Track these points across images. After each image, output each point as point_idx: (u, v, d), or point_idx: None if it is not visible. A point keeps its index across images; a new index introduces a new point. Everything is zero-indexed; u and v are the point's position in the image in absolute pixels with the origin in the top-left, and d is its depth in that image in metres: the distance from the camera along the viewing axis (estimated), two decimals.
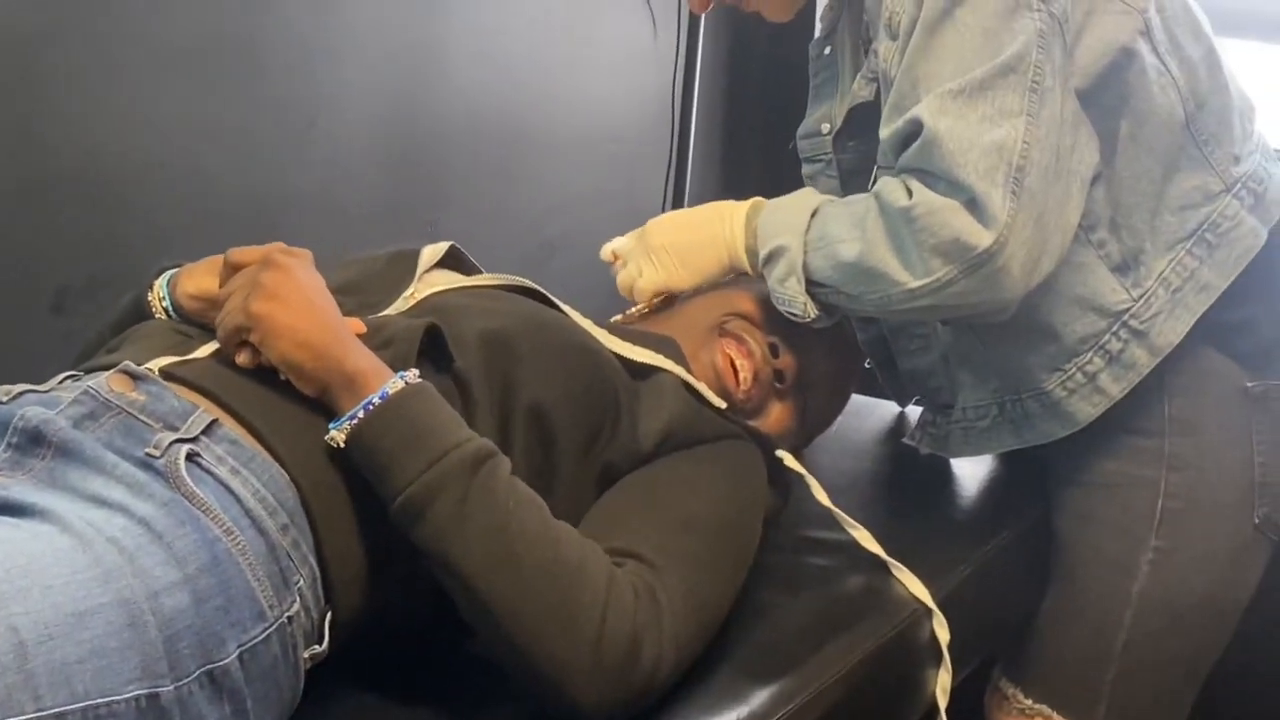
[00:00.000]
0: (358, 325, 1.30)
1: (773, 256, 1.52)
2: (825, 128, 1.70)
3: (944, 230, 1.37)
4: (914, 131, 1.40)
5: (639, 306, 1.68)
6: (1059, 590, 1.70)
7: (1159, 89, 1.50)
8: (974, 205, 1.36)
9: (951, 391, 1.72)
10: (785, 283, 1.51)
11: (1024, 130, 1.37)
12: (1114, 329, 1.54)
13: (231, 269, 1.31)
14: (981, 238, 1.35)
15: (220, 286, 1.31)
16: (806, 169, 1.77)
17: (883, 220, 1.42)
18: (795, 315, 1.53)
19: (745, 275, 1.64)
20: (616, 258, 1.70)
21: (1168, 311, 1.54)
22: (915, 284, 1.40)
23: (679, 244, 1.63)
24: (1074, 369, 1.57)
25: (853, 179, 1.66)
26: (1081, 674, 1.67)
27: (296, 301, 1.23)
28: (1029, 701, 1.70)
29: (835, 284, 1.49)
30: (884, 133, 1.46)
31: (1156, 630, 1.63)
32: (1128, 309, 1.54)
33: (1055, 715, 1.68)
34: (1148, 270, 1.54)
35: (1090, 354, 1.55)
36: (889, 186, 1.42)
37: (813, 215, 1.51)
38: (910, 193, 1.39)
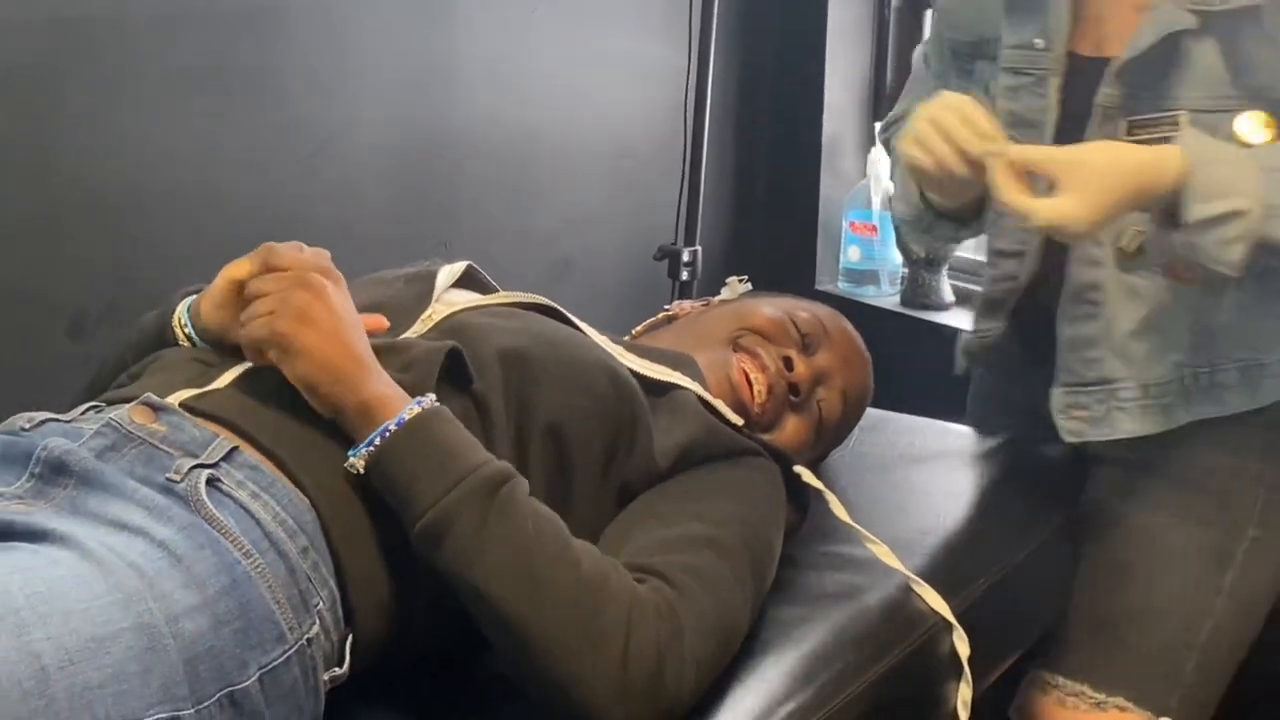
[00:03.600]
0: (380, 322, 1.30)
1: (1224, 219, 1.40)
2: (1039, 43, 1.60)
3: None
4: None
5: (650, 321, 1.67)
6: (1139, 584, 1.67)
7: None
8: None
9: (1111, 365, 1.62)
10: (1231, 245, 1.40)
11: None
12: None
13: (266, 266, 1.29)
14: None
15: (251, 277, 1.29)
16: (1006, 80, 1.65)
17: None
18: (1214, 275, 1.43)
19: (752, 294, 1.62)
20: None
21: None
22: None
23: (1097, 168, 1.42)
24: None
25: (1069, 122, 1.57)
26: (1166, 664, 1.65)
27: (323, 325, 1.23)
28: (1101, 695, 1.67)
29: None
30: None
31: (1239, 617, 1.64)
32: None
33: (1131, 707, 1.66)
34: None
35: None
36: None
37: (1259, 171, 1.43)
38: None
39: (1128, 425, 1.62)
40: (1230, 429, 1.61)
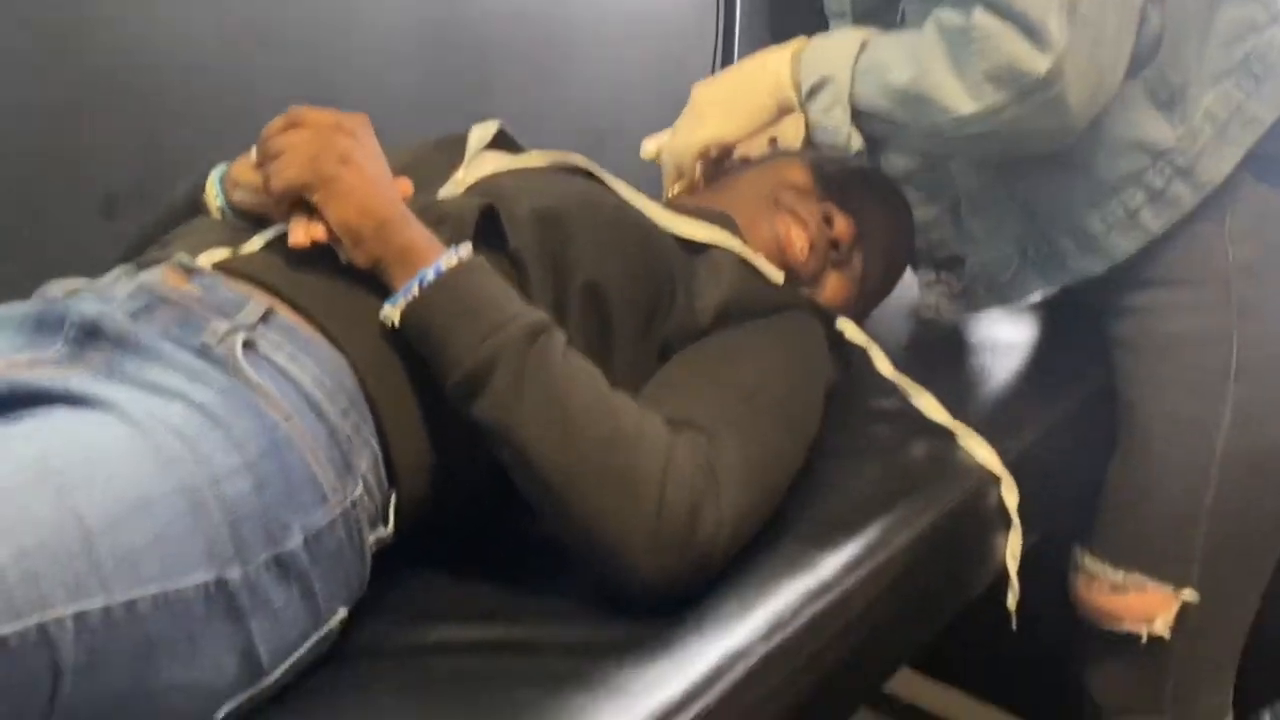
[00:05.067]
0: (405, 186, 1.28)
1: (818, 87, 1.51)
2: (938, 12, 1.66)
3: (998, 54, 1.35)
4: None
5: (689, 177, 1.66)
6: (1137, 459, 1.66)
7: None
8: (1030, 31, 1.34)
9: (960, 244, 1.70)
10: (830, 112, 1.49)
11: None
12: (1157, 165, 1.52)
13: (291, 124, 1.26)
14: (1037, 63, 1.34)
15: (274, 137, 1.26)
16: (833, 25, 1.75)
17: (941, 42, 1.41)
18: (836, 147, 1.51)
19: (792, 150, 1.61)
20: (659, 152, 1.68)
21: (1214, 148, 1.51)
22: (968, 110, 1.39)
23: (725, 95, 1.61)
24: (1115, 205, 1.55)
25: (865, 21, 1.64)
26: (1173, 537, 1.64)
27: (366, 168, 1.22)
28: (1120, 574, 1.67)
29: (884, 112, 1.47)
30: None
31: (1243, 482, 1.60)
32: (1172, 146, 1.52)
33: (1149, 582, 1.65)
34: (1194, 105, 1.51)
35: (1132, 190, 1.54)
36: (945, 13, 1.41)
37: (861, 46, 1.50)
38: (968, 15, 1.38)
39: (981, 302, 1.72)
40: (1195, 291, 1.58)
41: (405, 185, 1.28)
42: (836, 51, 1.51)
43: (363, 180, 1.21)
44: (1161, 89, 1.51)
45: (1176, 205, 1.53)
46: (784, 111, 1.58)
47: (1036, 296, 1.69)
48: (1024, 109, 1.38)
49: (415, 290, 1.18)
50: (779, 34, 2.82)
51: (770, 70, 1.56)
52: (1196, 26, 1.50)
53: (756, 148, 1.69)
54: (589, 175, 1.51)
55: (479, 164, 1.50)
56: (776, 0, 2.85)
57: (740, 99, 1.59)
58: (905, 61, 1.44)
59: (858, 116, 1.49)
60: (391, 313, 1.19)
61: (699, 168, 1.65)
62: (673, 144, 1.64)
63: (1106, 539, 1.69)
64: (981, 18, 1.37)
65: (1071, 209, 1.58)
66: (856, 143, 1.50)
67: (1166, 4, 1.48)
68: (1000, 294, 1.69)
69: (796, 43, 1.57)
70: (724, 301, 1.41)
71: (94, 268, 1.34)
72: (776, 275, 1.49)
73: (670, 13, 2.67)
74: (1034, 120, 1.39)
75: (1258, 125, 1.51)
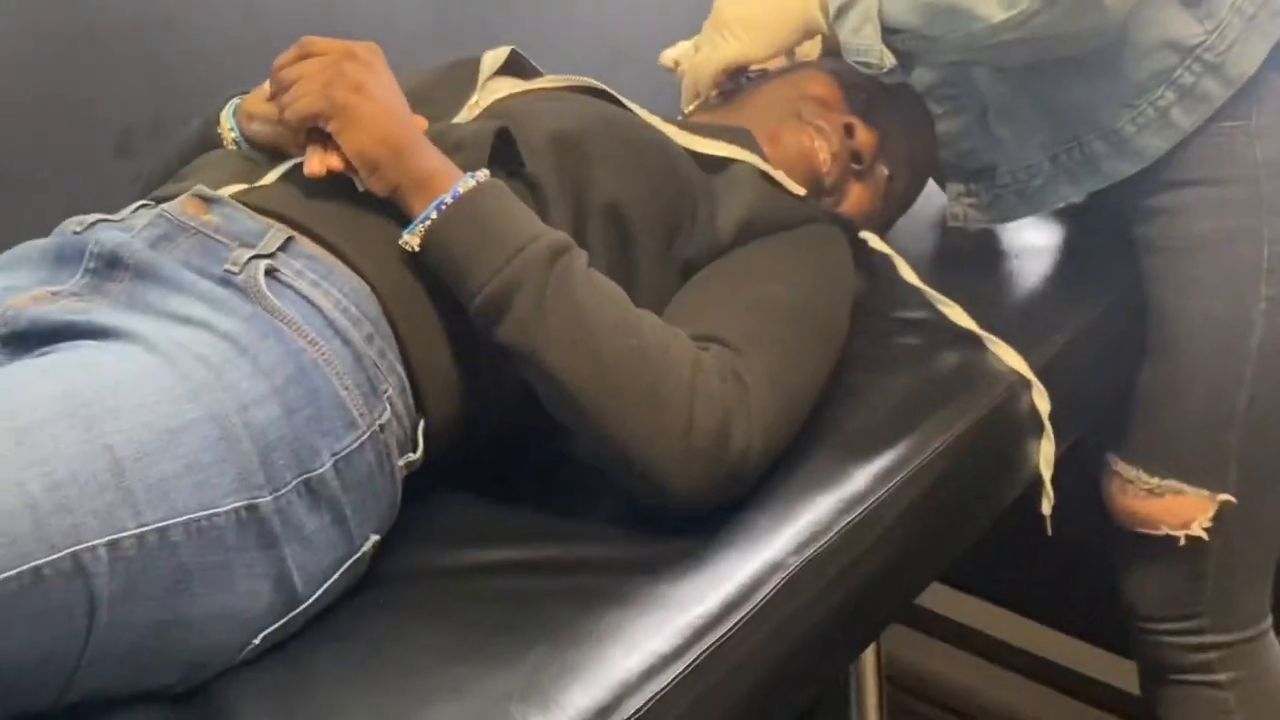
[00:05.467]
0: (420, 123, 1.26)
1: (846, 7, 1.48)
2: None
3: None
4: None
5: (703, 97, 1.64)
6: (1167, 361, 1.64)
7: None
8: None
9: (990, 154, 1.69)
10: (860, 31, 1.47)
11: None
12: (1186, 63, 1.50)
13: (302, 55, 1.26)
14: None
15: (287, 67, 1.25)
16: None
17: None
18: (869, 66, 1.49)
19: (810, 62, 1.59)
20: (678, 64, 1.66)
21: (1242, 41, 1.49)
22: (1000, 17, 1.37)
23: (751, 14, 1.58)
24: (1144, 104, 1.53)
25: None
26: (1207, 440, 1.62)
27: (380, 96, 1.21)
28: (1155, 480, 1.65)
29: (914, 27, 1.45)
30: None
31: (1277, 380, 1.59)
32: (1201, 43, 1.50)
33: (1185, 487, 1.63)
34: (1221, 1, 1.49)
35: (1162, 89, 1.52)
36: None
37: None
38: None
39: (1011, 210, 1.69)
40: (1222, 189, 1.56)
41: (421, 121, 1.27)
42: None
43: (377, 108, 1.20)
44: None
45: (1207, 101, 1.51)
46: (810, 33, 1.57)
47: (1063, 203, 1.67)
48: (1056, 12, 1.36)
49: (434, 215, 1.17)
50: None
51: None
52: None
53: (775, 66, 1.67)
54: (605, 97, 1.50)
55: (492, 88, 1.48)
56: None
57: (767, 17, 1.57)
58: None
59: (888, 33, 1.46)
60: (411, 239, 1.18)
61: (717, 85, 1.63)
62: (694, 61, 1.62)
63: (1140, 444, 1.68)
64: None
65: (1101, 111, 1.56)
66: (889, 60, 1.47)
67: None
68: (1031, 201, 1.67)
69: None
70: (745, 217, 1.40)
71: (110, 205, 1.34)
72: (797, 188, 1.48)
73: None
74: (1068, 22, 1.37)
75: None
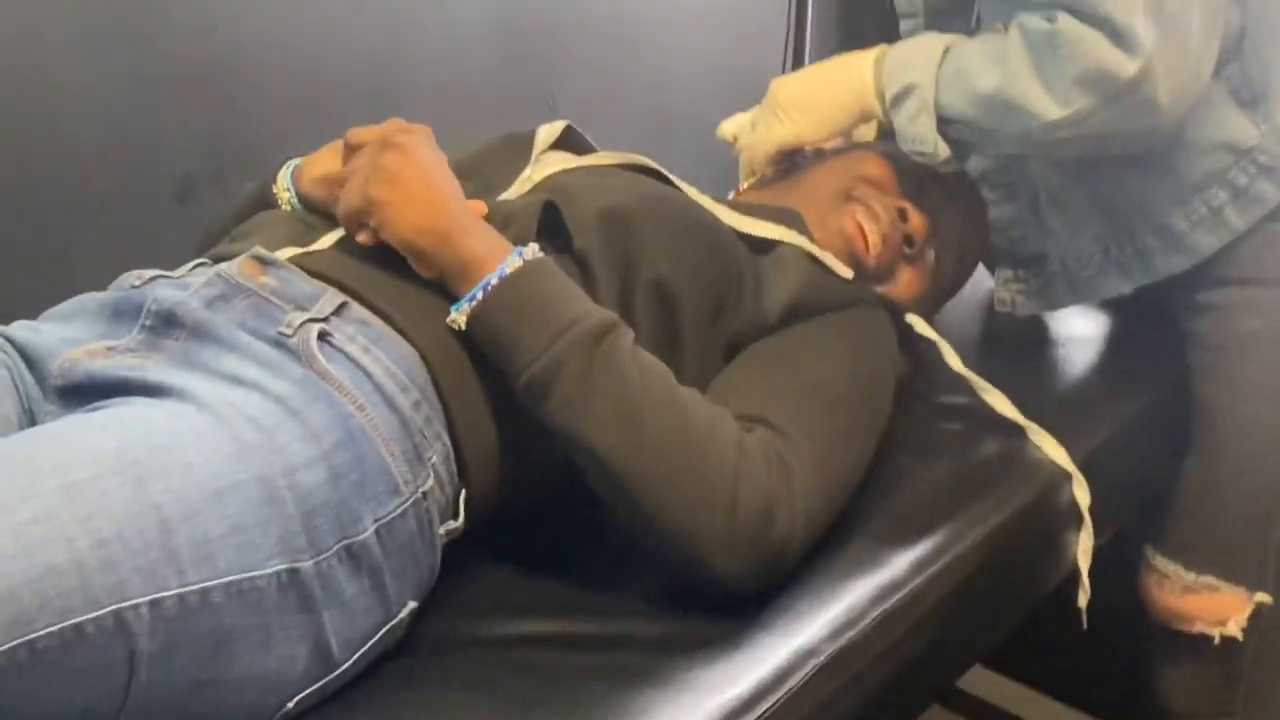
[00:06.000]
0: (479, 207, 1.28)
1: (903, 95, 1.49)
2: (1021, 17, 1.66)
3: (1087, 59, 1.34)
4: None
5: (759, 175, 1.65)
6: (1212, 459, 1.64)
7: None
8: (1116, 35, 1.33)
9: (1041, 242, 1.69)
10: (916, 120, 1.48)
11: None
12: (1240, 164, 1.52)
13: (351, 150, 1.31)
14: (1125, 67, 1.33)
15: (342, 168, 1.31)
16: (904, 25, 1.73)
17: (1026, 47, 1.39)
18: (924, 155, 1.50)
19: (865, 144, 1.60)
20: (735, 139, 1.67)
21: None
22: (1057, 115, 1.39)
23: (806, 96, 1.59)
24: (1198, 202, 1.54)
25: (938, 21, 1.62)
26: (1247, 539, 1.63)
27: (415, 184, 1.22)
28: (1192, 576, 1.65)
29: (970, 119, 1.46)
30: None
31: None
32: (1256, 145, 1.51)
33: (1222, 584, 1.63)
34: (1277, 104, 1.51)
35: (1215, 188, 1.53)
36: (1030, 18, 1.39)
37: (945, 52, 1.48)
38: (1053, 20, 1.37)
39: (1060, 299, 1.71)
40: (1271, 291, 1.57)
41: (480, 206, 1.28)
42: (920, 58, 1.50)
43: (413, 200, 1.21)
44: (1244, 88, 1.50)
45: (1261, 202, 1.52)
46: (865, 118, 1.58)
47: (1113, 294, 1.67)
48: (1113, 112, 1.37)
49: (479, 295, 1.19)
50: (850, 26, 2.83)
51: (854, 74, 1.55)
52: None
53: (830, 146, 1.68)
54: (656, 175, 1.51)
55: (546, 163, 1.50)
56: None
57: (822, 100, 1.58)
58: (991, 68, 1.43)
59: (943, 124, 1.48)
60: (458, 317, 1.20)
61: (771, 164, 1.64)
62: (750, 139, 1.63)
63: (1179, 539, 1.67)
64: (1067, 23, 1.36)
65: (1155, 207, 1.57)
66: (944, 151, 1.49)
67: (1249, 2, 1.47)
68: (1080, 291, 1.68)
69: (880, 49, 1.56)
70: (792, 298, 1.40)
71: (169, 251, 1.36)
72: (845, 271, 1.48)
73: (742, 4, 2.66)
74: (1124, 123, 1.39)
75: None
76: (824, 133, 1.60)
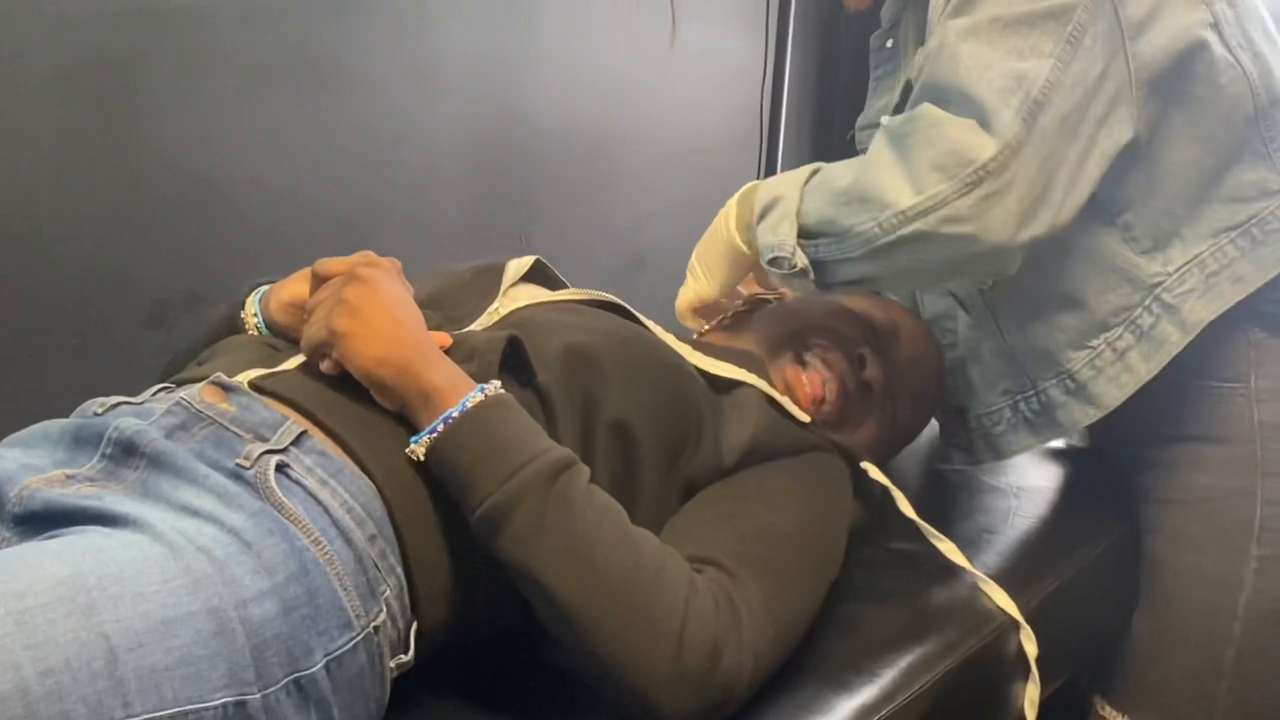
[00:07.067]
0: (444, 339, 1.30)
1: (767, 209, 1.50)
2: (885, 119, 1.65)
3: (944, 140, 1.34)
4: (935, 48, 1.40)
5: (714, 321, 1.69)
6: (1158, 612, 1.66)
7: (1228, 81, 1.48)
8: (982, 120, 1.33)
9: (960, 396, 1.71)
10: (778, 228, 1.49)
11: (1049, 71, 1.35)
12: (1146, 302, 1.52)
13: (319, 280, 1.33)
14: (983, 149, 1.33)
15: (310, 297, 1.33)
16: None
17: (887, 141, 1.40)
18: (781, 261, 1.49)
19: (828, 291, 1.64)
20: None
21: (1200, 291, 1.51)
22: (908, 202, 1.36)
23: (702, 253, 1.64)
24: (1103, 345, 1.55)
25: None
26: (1194, 692, 1.63)
27: (377, 318, 1.24)
28: None
29: (828, 221, 1.45)
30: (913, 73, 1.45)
31: (1267, 639, 1.60)
32: (1160, 282, 1.52)
33: None
34: (1182, 250, 1.52)
35: (1121, 329, 1.53)
36: (894, 118, 1.42)
37: (813, 172, 1.51)
38: (918, 109, 1.38)
39: (982, 454, 1.70)
40: (1220, 448, 1.59)
41: (443, 338, 1.31)
42: (789, 179, 1.52)
43: (374, 332, 1.24)
44: (1145, 238, 1.51)
45: (1164, 346, 1.52)
46: (737, 259, 1.59)
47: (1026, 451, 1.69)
48: (964, 205, 1.34)
49: (439, 428, 1.20)
50: (821, 159, 2.88)
51: (721, 219, 1.59)
52: (1196, 183, 1.51)
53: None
54: (623, 312, 1.54)
55: (514, 296, 1.52)
56: (819, 126, 2.89)
57: (711, 254, 1.63)
58: (852, 168, 1.45)
59: (804, 239, 1.47)
60: (417, 450, 1.21)
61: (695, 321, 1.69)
62: (677, 302, 1.68)
63: (1125, 690, 1.68)
64: (927, 108, 1.37)
65: (1058, 351, 1.58)
66: (801, 259, 1.47)
67: (1163, 160, 1.49)
68: (995, 448, 1.69)
69: (747, 185, 1.59)
70: (748, 441, 1.43)
71: (138, 374, 1.37)
72: (803, 415, 1.51)
73: (713, 140, 2.71)
74: (974, 219, 1.34)
75: (1246, 284, 1.52)
76: (717, 288, 1.63)
